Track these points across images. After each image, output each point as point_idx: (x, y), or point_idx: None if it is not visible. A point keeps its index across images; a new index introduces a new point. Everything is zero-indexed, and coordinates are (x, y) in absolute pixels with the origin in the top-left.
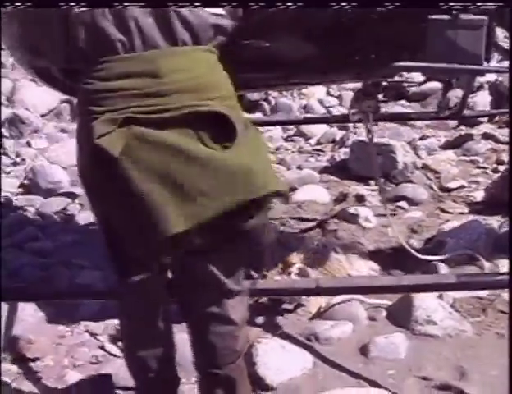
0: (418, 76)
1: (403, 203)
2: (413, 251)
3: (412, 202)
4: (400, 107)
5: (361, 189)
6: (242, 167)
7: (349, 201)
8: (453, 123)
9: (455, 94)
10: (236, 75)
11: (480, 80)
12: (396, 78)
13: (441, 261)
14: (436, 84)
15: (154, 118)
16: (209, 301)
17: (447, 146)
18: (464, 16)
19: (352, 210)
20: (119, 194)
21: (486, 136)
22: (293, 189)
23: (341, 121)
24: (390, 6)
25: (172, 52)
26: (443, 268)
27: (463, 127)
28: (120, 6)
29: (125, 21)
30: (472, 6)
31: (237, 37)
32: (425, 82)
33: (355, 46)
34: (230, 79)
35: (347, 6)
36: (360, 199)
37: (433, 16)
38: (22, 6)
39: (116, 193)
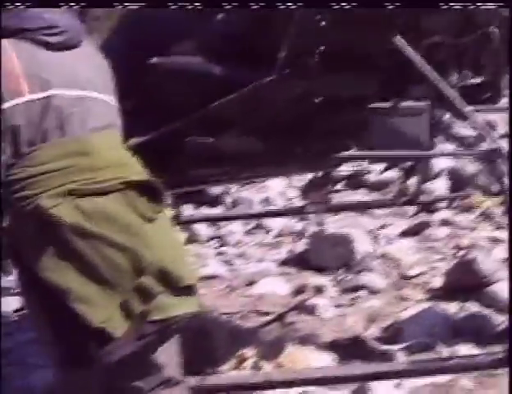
0: (378, 165)
1: (362, 293)
2: (369, 341)
3: (371, 291)
4: (360, 196)
5: (320, 280)
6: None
7: (308, 292)
8: (412, 211)
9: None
10: (187, 171)
11: (438, 166)
12: (355, 167)
13: (399, 349)
14: (395, 173)
15: (93, 189)
16: (147, 389)
17: (406, 234)
18: (404, 104)
19: (310, 301)
20: (71, 266)
21: (445, 222)
22: (252, 282)
23: (298, 212)
24: (390, 7)
25: (98, 134)
26: (401, 357)
27: (421, 215)
28: (120, 7)
29: (54, 112)
30: (473, 6)
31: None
32: (385, 171)
33: (298, 139)
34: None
35: (347, 6)
36: (319, 290)
37: (374, 105)
38: (22, 7)
39: (68, 264)
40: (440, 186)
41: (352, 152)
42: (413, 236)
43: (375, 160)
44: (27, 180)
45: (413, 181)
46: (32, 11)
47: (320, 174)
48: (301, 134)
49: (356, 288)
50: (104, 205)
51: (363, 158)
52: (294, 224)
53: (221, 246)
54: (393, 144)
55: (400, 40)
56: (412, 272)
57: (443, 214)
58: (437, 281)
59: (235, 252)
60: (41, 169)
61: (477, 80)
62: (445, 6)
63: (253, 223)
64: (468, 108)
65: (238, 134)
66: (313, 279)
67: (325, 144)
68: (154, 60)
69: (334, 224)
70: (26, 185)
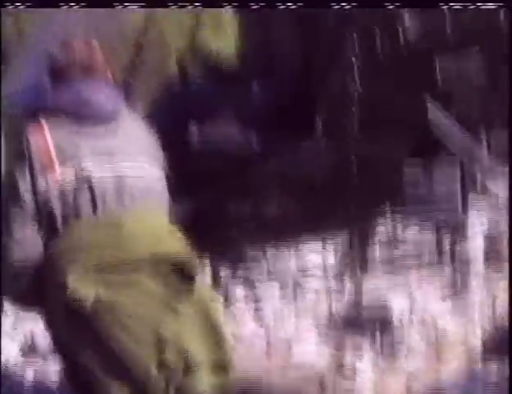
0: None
1: (401, 353)
2: None
3: (410, 351)
4: (396, 255)
5: (358, 341)
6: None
7: (347, 354)
8: (449, 271)
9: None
10: (228, 234)
11: (473, 224)
12: (390, 226)
13: None
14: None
15: (122, 264)
16: None
17: (444, 294)
18: (436, 161)
19: (349, 363)
20: (94, 341)
21: (482, 282)
22: (290, 343)
23: (336, 273)
24: (391, 7)
25: (131, 207)
26: None
27: (458, 274)
28: (120, 7)
29: (86, 188)
30: (473, 6)
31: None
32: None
33: (336, 200)
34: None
35: (347, 7)
36: (357, 352)
37: (407, 164)
38: (22, 7)
39: (91, 340)
40: (475, 245)
41: (387, 210)
42: (451, 296)
43: (409, 218)
44: (57, 255)
45: (448, 240)
46: (68, 88)
47: (357, 233)
48: (339, 195)
49: (395, 348)
50: (132, 279)
51: (397, 216)
52: (332, 285)
53: (258, 307)
54: (426, 201)
55: (429, 102)
56: (450, 332)
57: (480, 273)
58: (476, 340)
59: (273, 313)
60: (71, 244)
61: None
62: (445, 7)
63: (290, 284)
64: (497, 164)
65: (277, 197)
66: (352, 340)
67: (362, 204)
68: (194, 129)
69: (371, 285)
70: (56, 260)
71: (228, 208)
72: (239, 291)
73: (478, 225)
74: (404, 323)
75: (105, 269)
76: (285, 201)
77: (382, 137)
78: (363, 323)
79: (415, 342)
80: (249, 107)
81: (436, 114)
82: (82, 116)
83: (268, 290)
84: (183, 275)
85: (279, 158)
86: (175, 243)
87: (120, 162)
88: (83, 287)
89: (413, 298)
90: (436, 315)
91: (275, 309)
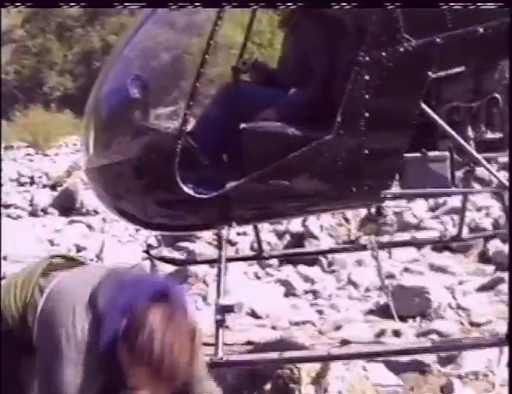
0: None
1: (434, 336)
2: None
3: (442, 335)
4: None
5: (399, 326)
6: None
7: (387, 336)
8: (490, 269)
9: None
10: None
11: None
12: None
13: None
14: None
15: None
16: None
17: (481, 289)
18: (431, 153)
19: (387, 341)
20: None
21: None
22: (339, 327)
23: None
24: (391, 7)
25: None
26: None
27: (498, 272)
28: (120, 7)
29: None
30: (473, 6)
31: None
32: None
33: (352, 180)
34: None
35: (347, 7)
36: (397, 334)
37: (408, 155)
38: (22, 6)
39: None
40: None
41: (393, 190)
42: (488, 291)
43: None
44: None
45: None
46: None
47: (373, 210)
48: (354, 177)
49: (430, 332)
50: None
51: (402, 196)
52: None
53: (315, 299)
54: (424, 184)
55: (425, 106)
56: (481, 320)
57: None
58: (503, 328)
59: (327, 303)
60: None
61: (490, 135)
62: (445, 6)
63: (344, 280)
64: (479, 156)
65: (308, 178)
66: (393, 325)
67: (373, 184)
68: (244, 125)
69: (415, 278)
70: None
71: (271, 185)
72: (298, 284)
73: None
74: (441, 311)
75: None
76: (313, 180)
77: (388, 133)
78: (405, 311)
79: (449, 326)
80: (287, 107)
81: (431, 116)
82: None
83: (325, 284)
84: None
85: (308, 146)
86: None
87: None
88: None
89: (454, 292)
90: (471, 305)
91: (329, 299)
